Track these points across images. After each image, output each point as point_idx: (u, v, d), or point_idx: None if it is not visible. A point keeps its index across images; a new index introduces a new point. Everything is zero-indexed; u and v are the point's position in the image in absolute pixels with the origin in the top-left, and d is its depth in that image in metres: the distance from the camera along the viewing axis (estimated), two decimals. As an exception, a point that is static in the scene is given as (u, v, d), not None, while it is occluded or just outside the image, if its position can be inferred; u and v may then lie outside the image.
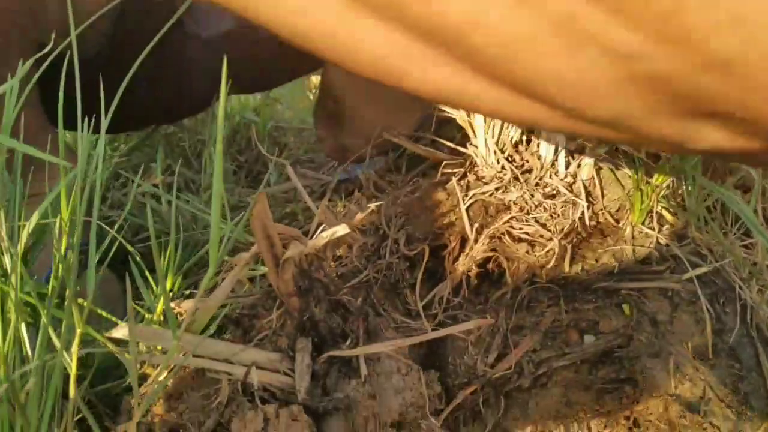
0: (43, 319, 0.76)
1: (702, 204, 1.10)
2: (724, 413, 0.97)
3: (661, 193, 1.10)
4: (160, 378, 0.79)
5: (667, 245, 1.08)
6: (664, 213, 1.13)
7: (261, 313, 0.88)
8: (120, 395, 0.90)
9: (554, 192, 1.05)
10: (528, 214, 1.03)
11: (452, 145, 1.18)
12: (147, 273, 0.95)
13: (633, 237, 1.08)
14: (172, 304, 0.88)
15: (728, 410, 0.97)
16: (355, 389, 0.85)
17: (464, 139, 1.21)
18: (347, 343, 0.85)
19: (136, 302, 0.95)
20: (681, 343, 1.02)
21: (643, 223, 1.10)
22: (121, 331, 0.79)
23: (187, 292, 1.01)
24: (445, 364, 1.12)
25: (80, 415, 0.75)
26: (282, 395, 0.78)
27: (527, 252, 1.04)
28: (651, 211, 1.11)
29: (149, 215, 1.00)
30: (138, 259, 0.96)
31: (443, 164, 1.15)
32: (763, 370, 1.02)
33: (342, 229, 0.76)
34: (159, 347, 0.80)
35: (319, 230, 0.85)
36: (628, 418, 1.03)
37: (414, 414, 0.93)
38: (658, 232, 1.08)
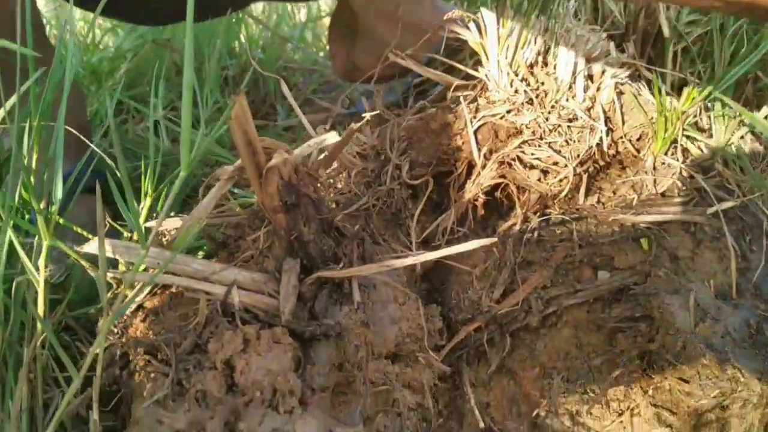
0: (9, 232, 0.70)
1: (731, 132, 1.02)
2: (747, 354, 0.90)
3: (687, 121, 1.01)
4: (135, 297, 0.73)
5: (691, 177, 1.00)
6: (689, 144, 1.04)
7: (247, 233, 0.82)
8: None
9: (571, 116, 0.97)
10: (541, 138, 0.95)
11: (464, 68, 1.09)
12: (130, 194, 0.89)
13: (654, 168, 1.00)
14: (152, 223, 0.82)
15: (752, 351, 0.90)
16: (347, 316, 0.78)
17: (476, 65, 1.12)
18: (339, 266, 0.78)
19: (119, 222, 0.89)
20: (702, 281, 0.95)
21: (666, 154, 1.01)
22: (92, 245, 0.73)
23: (172, 214, 0.95)
24: (448, 299, 1.05)
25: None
26: (265, 317, 0.72)
27: (539, 180, 0.96)
28: (675, 141, 1.02)
29: (152, 147, 0.94)
30: (123, 181, 0.90)
31: (453, 87, 1.07)
32: (790, 311, 0.94)
33: (331, 137, 0.69)
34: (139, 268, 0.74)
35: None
36: (642, 358, 0.96)
37: (411, 346, 0.87)
38: (682, 163, 1.00)
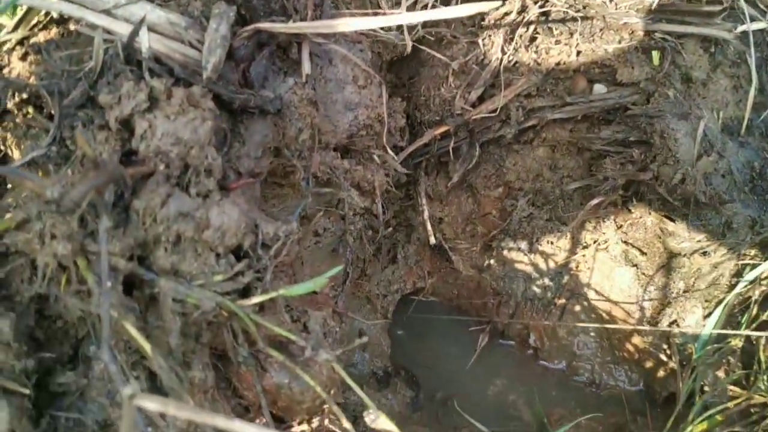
0: None
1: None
2: (746, 199, 0.78)
3: None
4: (14, 29, 0.55)
5: (725, -15, 0.83)
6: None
7: (171, -35, 0.62)
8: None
9: None
10: None
11: None
12: None
13: (687, -35, 0.82)
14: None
15: (751, 196, 0.79)
16: (292, 90, 0.62)
17: None
18: (288, 22, 0.60)
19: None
20: (712, 110, 0.81)
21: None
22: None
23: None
24: (416, 94, 0.89)
25: None
26: (182, 73, 0.55)
27: (549, -42, 0.77)
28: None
29: None
30: None
31: None
32: (799, 160, 0.82)
33: None
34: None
35: None
36: (626, 188, 0.84)
37: (367, 141, 0.72)
38: (720, -35, 0.82)
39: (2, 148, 0.60)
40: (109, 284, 0.44)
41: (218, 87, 0.55)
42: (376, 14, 0.74)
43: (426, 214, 0.94)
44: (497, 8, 0.82)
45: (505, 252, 0.98)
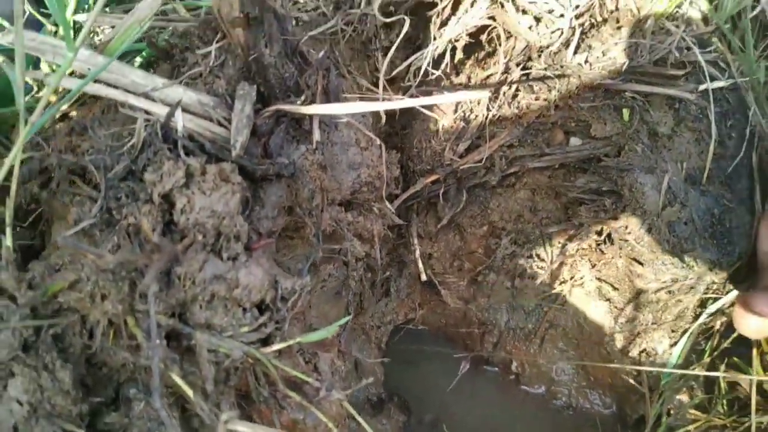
0: None
1: (738, 4, 0.93)
2: (706, 244, 0.87)
3: (698, -15, 0.92)
4: (61, 106, 0.62)
5: (687, 49, 0.92)
6: (692, 12, 0.95)
7: (196, 45, 0.70)
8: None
9: (577, -42, 0.85)
10: (540, -20, 0.84)
11: None
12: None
13: (652, 33, 0.91)
14: (83, 17, 0.69)
15: (710, 241, 0.88)
16: (304, 156, 0.70)
17: None
18: (301, 99, 0.68)
19: (40, 11, 0.75)
20: (676, 162, 0.90)
21: (667, 18, 0.92)
22: (8, 37, 0.60)
23: (107, 10, 0.80)
24: (409, 146, 0.97)
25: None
26: (212, 148, 0.62)
27: (530, 28, 0.86)
28: (680, 6, 0.93)
29: None
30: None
31: None
32: (753, 206, 0.92)
33: (314, -58, 0.56)
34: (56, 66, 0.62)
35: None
36: (599, 233, 0.93)
37: (368, 195, 0.81)
38: (683, 31, 0.91)
39: (47, 209, 0.67)
40: (158, 342, 0.52)
41: (244, 161, 0.63)
42: (370, 87, 0.82)
43: (418, 253, 1.02)
44: (484, 71, 0.91)
45: (489, 285, 1.07)
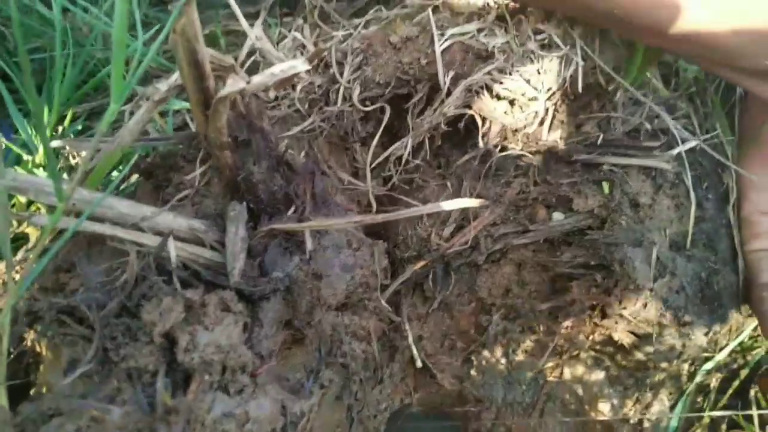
0: None
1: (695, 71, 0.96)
2: (698, 310, 0.88)
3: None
4: (43, 244, 0.59)
5: (657, 117, 0.94)
6: (655, 81, 0.98)
7: (180, 165, 0.68)
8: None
9: (546, 42, 0.86)
10: (513, 66, 0.85)
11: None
12: (36, 103, 0.72)
13: (623, 104, 0.93)
14: (60, 142, 0.66)
15: (702, 306, 0.88)
16: (298, 267, 0.68)
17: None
18: (291, 210, 0.67)
19: (11, 138, 0.73)
20: (660, 230, 0.91)
21: (636, 89, 0.94)
22: (-15, 180, 0.58)
23: (81, 126, 0.78)
24: (394, 235, 0.97)
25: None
26: (208, 275, 0.60)
27: (505, 112, 0.87)
28: (647, 77, 0.95)
29: (58, 31, 0.76)
30: (26, 83, 0.73)
31: (412, -7, 0.93)
32: (737, 265, 0.93)
33: (301, 65, 0.55)
34: (40, 203, 0.60)
35: (268, 66, 0.64)
36: (593, 308, 0.93)
37: (362, 295, 0.79)
38: (651, 100, 0.93)
39: (37, 349, 0.64)
40: (172, 497, 0.49)
41: (242, 285, 0.61)
42: (352, 180, 0.82)
43: (411, 339, 1.00)
44: (462, 156, 0.91)
45: (483, 363, 1.05)
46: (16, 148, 0.67)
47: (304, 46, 0.91)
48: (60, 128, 0.73)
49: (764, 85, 0.76)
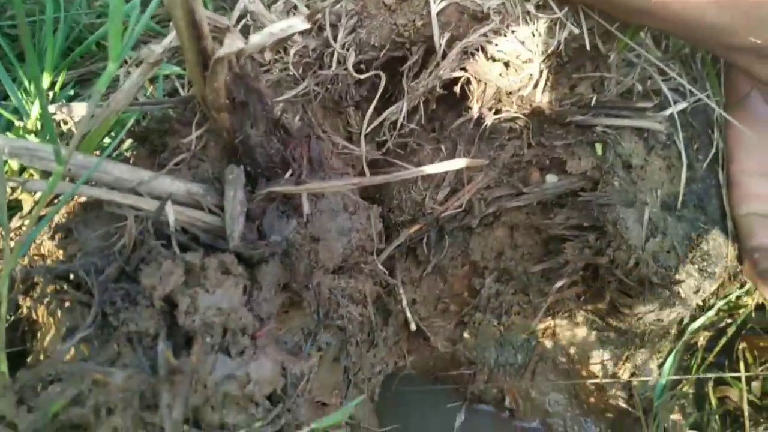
0: None
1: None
2: (689, 269, 0.89)
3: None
4: (41, 210, 0.59)
5: (650, 78, 0.94)
6: (650, 42, 0.97)
7: (175, 129, 0.68)
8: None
9: (541, 3, 0.86)
10: (508, 27, 0.84)
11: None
12: (16, 64, 0.71)
13: (616, 66, 0.93)
14: (53, 108, 0.66)
15: (692, 266, 0.89)
16: (295, 231, 0.68)
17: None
18: (288, 174, 0.67)
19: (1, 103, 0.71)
20: (651, 191, 0.92)
21: (629, 52, 0.94)
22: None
23: (72, 92, 0.77)
24: (388, 199, 0.97)
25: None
26: (207, 239, 0.60)
27: (500, 75, 0.87)
28: (641, 38, 0.95)
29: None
30: (25, 44, 0.71)
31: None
32: (726, 225, 0.94)
33: (300, 24, 0.55)
34: (34, 168, 0.59)
35: (264, 26, 0.63)
36: (585, 268, 0.94)
37: (358, 258, 0.79)
38: (644, 62, 0.93)
39: (34, 316, 0.64)
40: (178, 457, 0.50)
41: (242, 249, 0.61)
42: (347, 145, 0.81)
43: (405, 302, 1.01)
44: (458, 119, 0.91)
45: (476, 325, 1.06)
46: (7, 114, 0.66)
47: (296, 8, 0.89)
48: (51, 94, 0.72)
49: (750, 60, 0.78)
